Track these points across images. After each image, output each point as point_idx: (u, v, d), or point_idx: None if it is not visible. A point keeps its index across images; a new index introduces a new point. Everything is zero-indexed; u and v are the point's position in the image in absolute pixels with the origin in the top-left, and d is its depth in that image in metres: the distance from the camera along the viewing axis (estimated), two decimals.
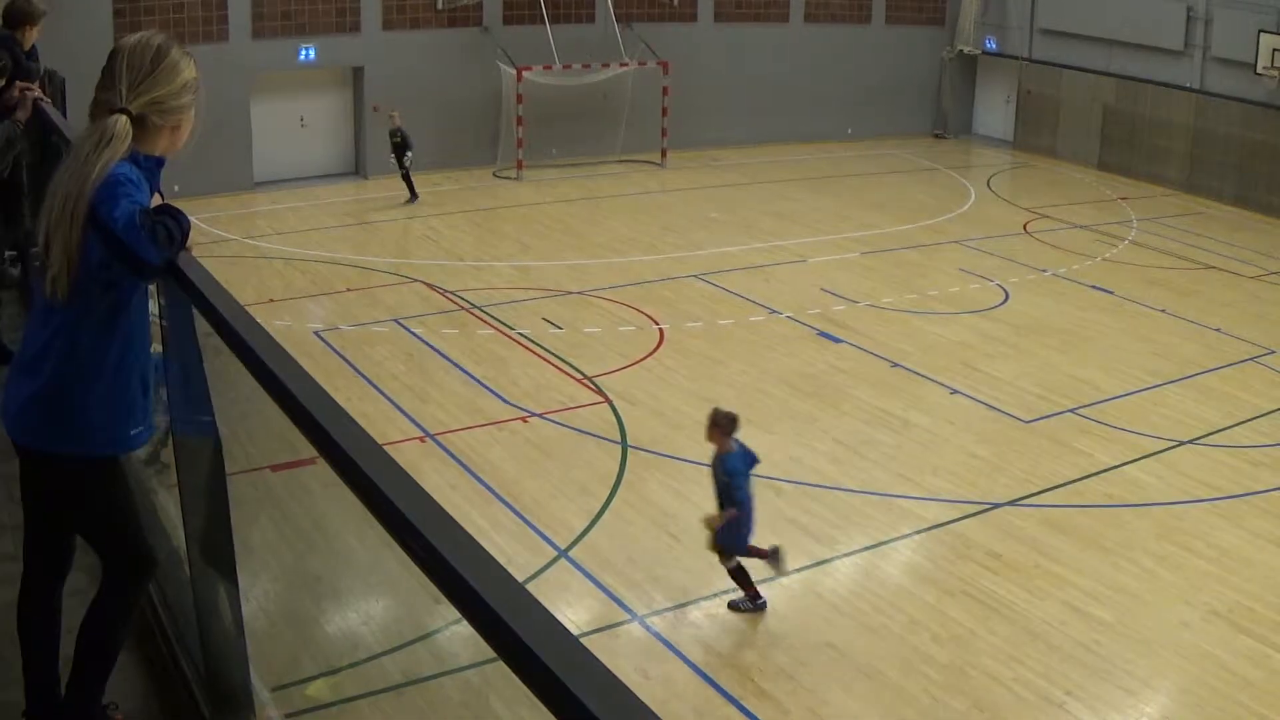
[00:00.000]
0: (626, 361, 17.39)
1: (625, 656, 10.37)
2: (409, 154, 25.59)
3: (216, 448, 3.67)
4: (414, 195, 26.15)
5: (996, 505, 13.45)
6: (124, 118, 3.63)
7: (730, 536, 10.94)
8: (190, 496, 4.10)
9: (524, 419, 15.28)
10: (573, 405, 15.80)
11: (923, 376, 17.13)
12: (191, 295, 3.40)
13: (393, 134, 25.59)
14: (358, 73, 28.39)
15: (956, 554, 12.43)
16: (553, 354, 17.52)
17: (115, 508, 3.92)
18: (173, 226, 3.53)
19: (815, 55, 33.22)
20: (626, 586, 11.59)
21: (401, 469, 2.17)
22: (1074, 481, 14.09)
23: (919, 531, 12.95)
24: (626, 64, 29.97)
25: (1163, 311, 20.41)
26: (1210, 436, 15.39)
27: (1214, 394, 16.84)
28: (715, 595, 11.58)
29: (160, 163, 3.77)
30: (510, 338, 18.24)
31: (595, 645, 9.53)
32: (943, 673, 10.38)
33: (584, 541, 12.42)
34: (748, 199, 27.79)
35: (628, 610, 11.21)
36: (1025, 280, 21.98)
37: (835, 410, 15.92)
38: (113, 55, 3.74)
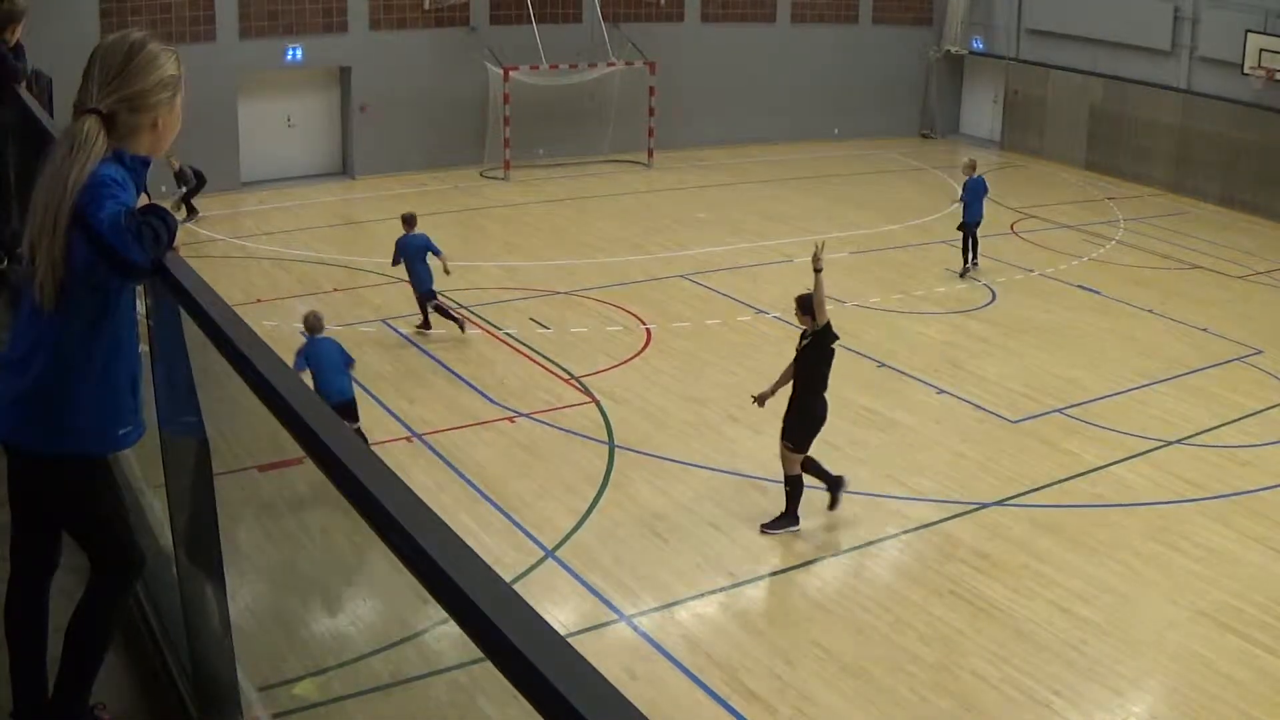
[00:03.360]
0: (614, 361, 17.39)
1: (612, 656, 10.37)
2: (183, 188, 24.20)
3: (203, 448, 3.66)
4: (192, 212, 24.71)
5: (983, 505, 13.48)
6: (93, 117, 3.60)
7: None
8: (177, 496, 4.09)
9: (511, 419, 15.28)
10: (560, 405, 15.80)
11: (909, 376, 17.17)
12: (178, 295, 3.39)
13: (178, 175, 24.02)
14: (345, 72, 28.38)
15: (943, 554, 12.45)
16: (540, 354, 17.52)
17: (103, 507, 3.91)
18: (159, 227, 3.51)
19: (802, 55, 33.26)
20: (613, 586, 11.60)
21: (388, 469, 2.17)
22: (1061, 481, 14.12)
23: (906, 531, 12.97)
24: (613, 64, 29.98)
25: (1150, 311, 20.47)
26: (1197, 436, 15.44)
27: (1201, 394, 16.89)
28: (702, 595, 11.61)
29: (146, 162, 3.75)
30: (497, 338, 18.24)
31: (582, 645, 9.55)
32: (930, 672, 10.40)
33: (571, 541, 12.42)
34: (734, 199, 27.81)
35: (615, 610, 11.22)
36: (1012, 280, 22.04)
37: None
38: (91, 56, 3.72)
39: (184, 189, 24.27)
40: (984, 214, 22.21)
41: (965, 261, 22.27)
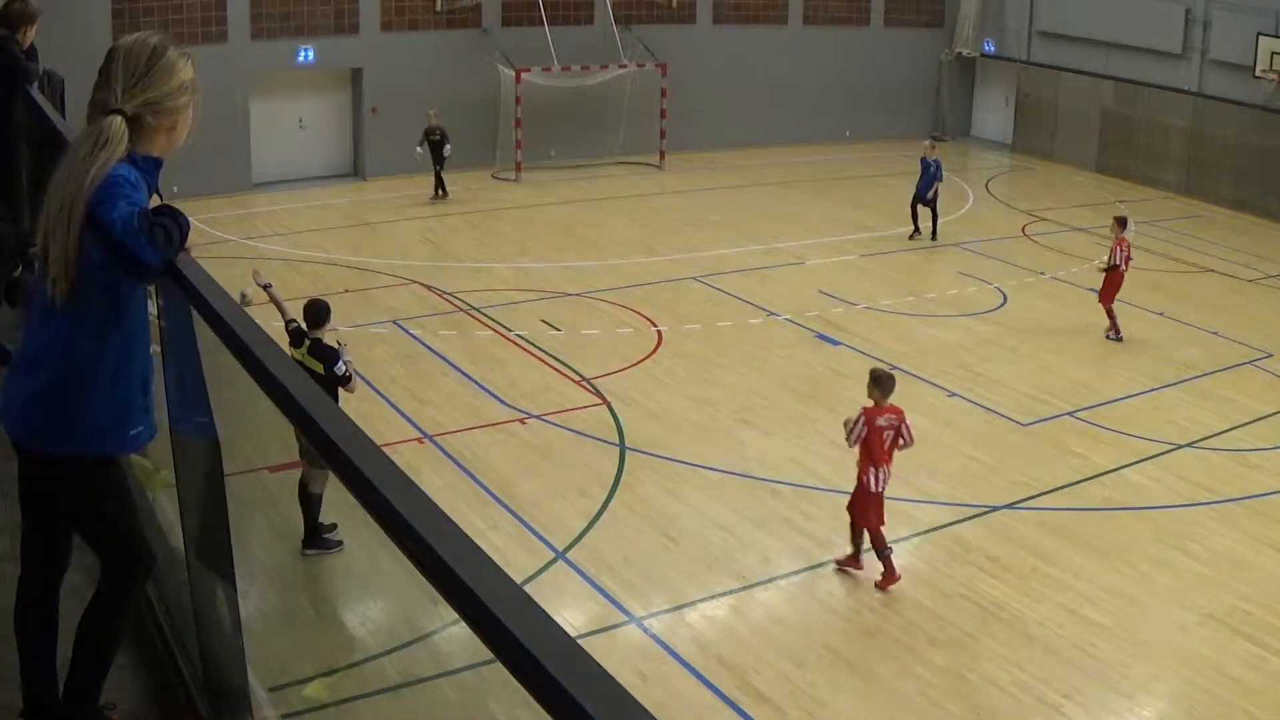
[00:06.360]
0: (625, 363, 17.39)
1: (622, 658, 10.36)
2: (448, 147, 25.80)
3: (214, 448, 3.67)
4: (444, 193, 26.57)
5: (994, 508, 13.46)
6: (119, 118, 3.62)
7: None
8: (188, 497, 4.10)
9: (522, 421, 15.27)
10: (571, 407, 15.79)
11: (920, 379, 17.12)
12: (190, 296, 3.41)
13: (430, 132, 25.78)
14: (356, 74, 28.40)
15: (953, 557, 12.43)
16: (551, 356, 17.52)
17: (114, 508, 3.91)
18: (171, 227, 3.52)
19: (813, 57, 33.23)
20: (624, 588, 11.60)
21: (399, 470, 2.18)
22: (1071, 485, 14.09)
23: (916, 534, 12.95)
24: (625, 66, 29.97)
25: (1160, 314, 20.41)
26: (1208, 440, 15.39)
27: (1212, 397, 16.85)
28: (713, 597, 11.60)
29: (158, 163, 3.76)
30: (508, 339, 18.24)
31: (592, 647, 9.52)
32: (940, 675, 10.38)
33: (582, 543, 12.42)
34: (746, 201, 27.79)
35: (625, 612, 11.21)
36: (1023, 283, 21.99)
37: (833, 413, 15.84)
38: (110, 55, 3.73)
39: (443, 153, 25.61)
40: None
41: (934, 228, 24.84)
